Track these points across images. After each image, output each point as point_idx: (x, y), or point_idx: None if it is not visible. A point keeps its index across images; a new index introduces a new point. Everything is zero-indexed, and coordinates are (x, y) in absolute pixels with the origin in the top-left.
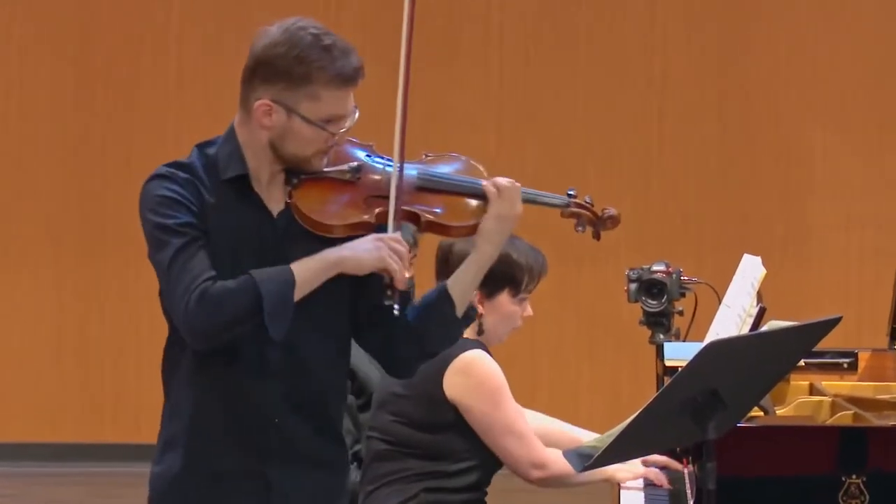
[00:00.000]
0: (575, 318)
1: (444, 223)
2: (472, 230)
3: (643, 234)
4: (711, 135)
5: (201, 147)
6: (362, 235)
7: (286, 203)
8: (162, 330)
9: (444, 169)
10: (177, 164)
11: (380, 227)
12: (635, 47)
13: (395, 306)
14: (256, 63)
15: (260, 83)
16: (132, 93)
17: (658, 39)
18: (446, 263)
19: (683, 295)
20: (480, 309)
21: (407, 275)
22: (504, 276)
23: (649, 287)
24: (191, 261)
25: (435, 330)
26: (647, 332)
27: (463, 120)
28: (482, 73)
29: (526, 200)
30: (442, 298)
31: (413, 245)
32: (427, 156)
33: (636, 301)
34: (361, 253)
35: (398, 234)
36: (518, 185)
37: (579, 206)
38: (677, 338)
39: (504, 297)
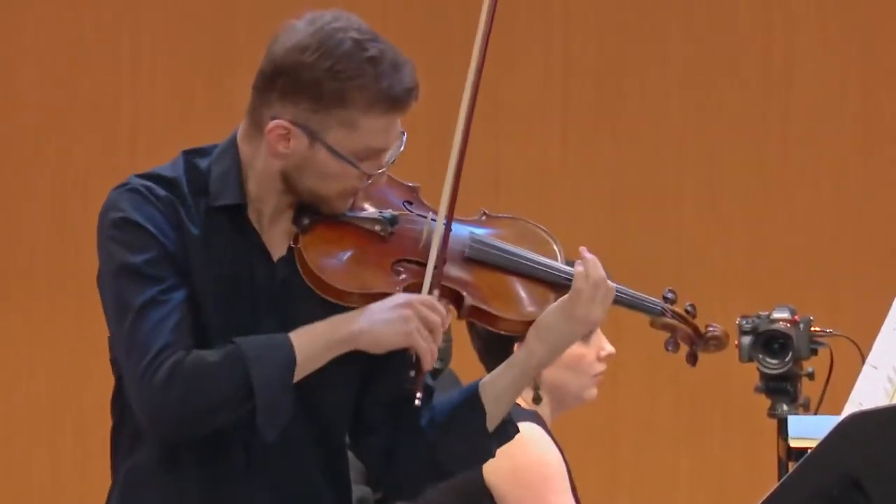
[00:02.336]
0: (670, 382)
1: (495, 313)
2: (528, 327)
3: (759, 269)
4: (851, 138)
5: (190, 156)
6: None
7: (290, 247)
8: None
9: (507, 236)
10: (156, 177)
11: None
12: (749, 25)
13: (418, 396)
14: (276, 70)
15: (278, 98)
16: (73, 82)
17: (779, 16)
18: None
19: (815, 352)
20: None
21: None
22: None
23: (769, 341)
24: (162, 321)
25: (455, 445)
26: (766, 402)
27: (517, 118)
28: (542, 58)
29: (613, 302)
30: (469, 404)
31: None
32: (485, 215)
33: (751, 360)
34: (382, 326)
35: (434, 297)
36: (614, 286)
37: (677, 316)
38: (806, 409)
39: None
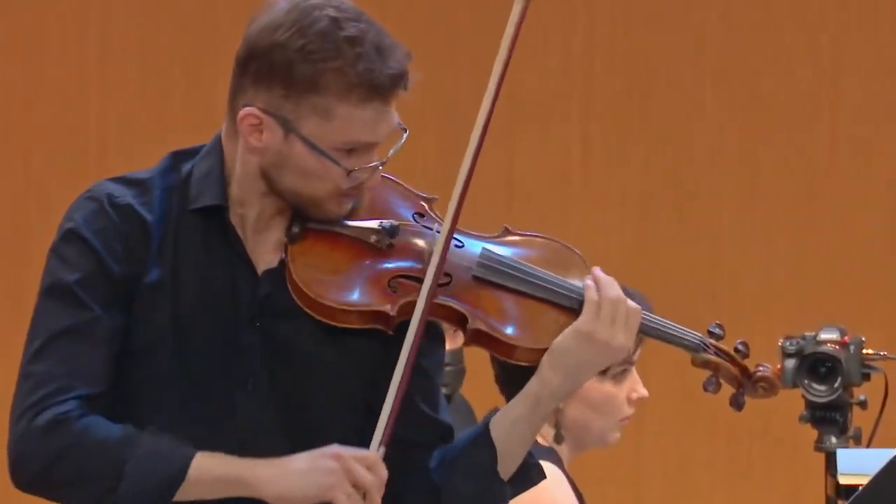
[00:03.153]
0: (703, 410)
1: (503, 339)
2: (540, 357)
3: (804, 284)
4: None
5: (176, 157)
6: (381, 331)
7: (281, 259)
8: None
9: (528, 255)
10: (125, 182)
11: (401, 325)
12: (795, 7)
13: None
14: (249, 53)
15: (251, 84)
16: (33, 78)
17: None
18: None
19: (867, 377)
20: None
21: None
22: None
23: (815, 365)
24: (69, 358)
25: (461, 487)
26: (813, 434)
27: (532, 114)
28: (561, 46)
29: (641, 331)
30: (477, 441)
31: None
32: (507, 230)
33: (795, 386)
34: (296, 478)
35: (378, 454)
36: (636, 308)
37: (721, 353)
38: (857, 442)
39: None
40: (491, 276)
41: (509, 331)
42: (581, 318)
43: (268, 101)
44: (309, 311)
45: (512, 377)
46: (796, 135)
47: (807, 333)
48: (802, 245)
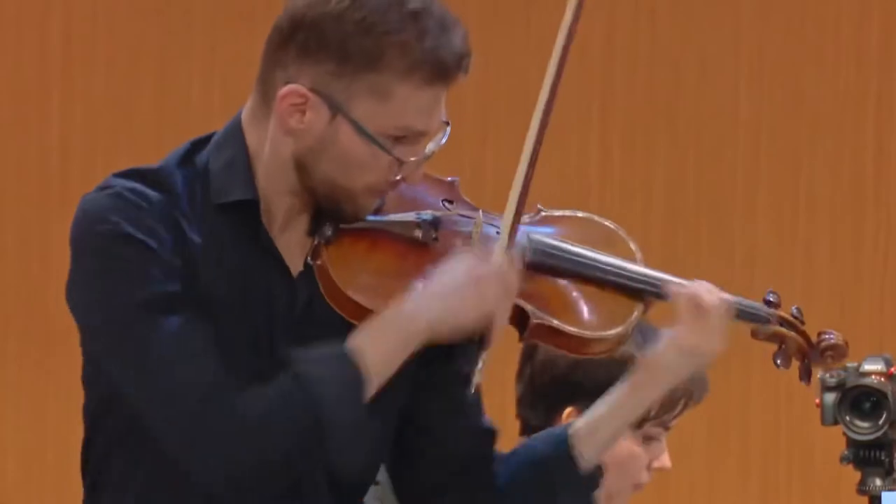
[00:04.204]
0: (735, 448)
1: (568, 330)
2: (616, 346)
3: (848, 308)
4: None
5: (192, 147)
6: None
7: (307, 263)
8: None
9: (572, 235)
10: (144, 176)
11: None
12: None
13: (476, 374)
14: (294, 24)
15: (295, 57)
16: None
17: None
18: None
19: None
20: None
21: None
22: None
23: (858, 400)
24: (198, 356)
25: None
26: (855, 475)
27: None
28: (577, 40)
29: None
30: (563, 465)
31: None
32: (541, 211)
33: (835, 423)
34: (459, 308)
35: (508, 251)
36: (728, 300)
37: (786, 323)
38: None
39: None
40: (545, 262)
41: (575, 322)
42: (683, 334)
43: (314, 78)
44: (352, 319)
45: (541, 400)
46: (842, 141)
47: (849, 364)
48: (846, 264)
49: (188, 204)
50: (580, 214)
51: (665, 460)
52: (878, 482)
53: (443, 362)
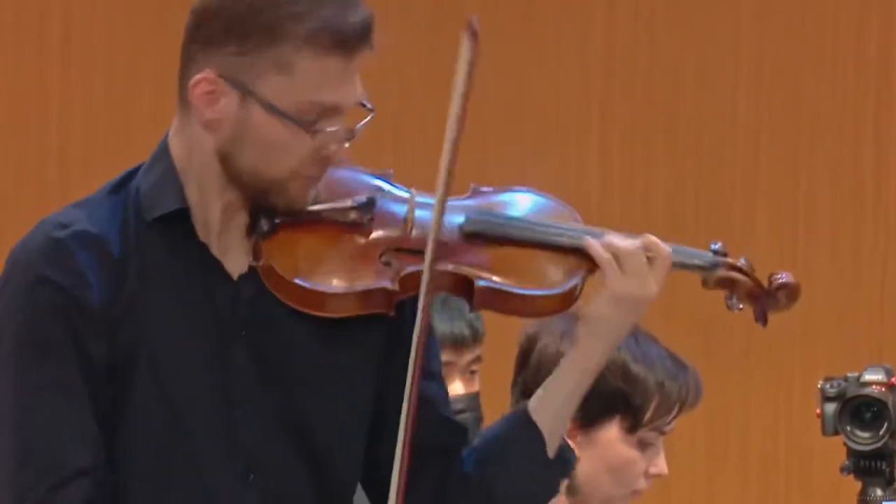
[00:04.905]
0: (736, 458)
1: (513, 291)
2: (565, 304)
3: (847, 319)
4: None
5: (125, 177)
6: (381, 315)
7: (251, 264)
8: None
9: (512, 209)
10: (71, 208)
11: (402, 303)
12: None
13: None
14: (196, 19)
15: (201, 48)
16: None
17: None
18: (530, 369)
19: None
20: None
21: (461, 390)
22: (614, 397)
23: (858, 410)
24: (70, 426)
25: (515, 483)
26: (856, 485)
27: (545, 124)
28: (577, 47)
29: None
30: (522, 429)
31: (472, 339)
32: (480, 189)
33: (836, 433)
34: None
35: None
36: (662, 246)
37: (733, 268)
38: None
39: (612, 433)
40: (483, 230)
41: (519, 281)
42: (609, 282)
43: (221, 63)
44: (301, 307)
45: (524, 374)
46: (841, 144)
47: (849, 374)
48: (846, 274)
49: (119, 230)
50: (513, 188)
51: (662, 467)
52: (879, 492)
53: (405, 356)
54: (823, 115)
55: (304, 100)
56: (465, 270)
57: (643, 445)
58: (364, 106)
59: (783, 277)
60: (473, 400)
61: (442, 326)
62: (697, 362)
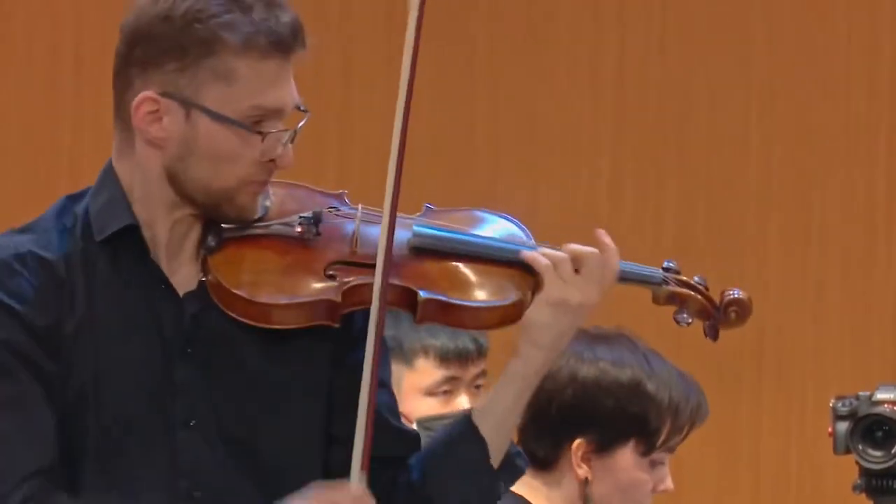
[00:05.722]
0: (748, 477)
1: (455, 302)
2: (510, 316)
3: (860, 339)
4: None
5: (71, 200)
6: (326, 327)
7: (200, 280)
8: None
9: (462, 226)
10: (17, 231)
11: (351, 316)
12: (850, 23)
13: None
14: (128, 42)
15: (139, 71)
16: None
17: (889, 8)
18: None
19: None
20: (584, 471)
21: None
22: (630, 421)
23: (871, 428)
24: (18, 432)
25: (455, 490)
26: None
27: (557, 145)
28: (588, 69)
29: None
30: (463, 436)
31: (476, 354)
32: (432, 208)
33: (848, 451)
34: None
35: (357, 482)
36: (596, 253)
37: (682, 283)
38: None
39: (626, 456)
40: (429, 245)
41: (462, 294)
42: (546, 288)
43: (162, 82)
44: (245, 318)
45: (547, 429)
46: (853, 170)
47: (861, 393)
48: (858, 294)
49: (66, 251)
50: (467, 209)
51: (669, 483)
52: None
53: (355, 366)
54: (835, 138)
55: (247, 104)
56: (410, 283)
57: (653, 465)
58: (299, 109)
59: (734, 293)
60: None
61: (446, 342)
62: (709, 381)
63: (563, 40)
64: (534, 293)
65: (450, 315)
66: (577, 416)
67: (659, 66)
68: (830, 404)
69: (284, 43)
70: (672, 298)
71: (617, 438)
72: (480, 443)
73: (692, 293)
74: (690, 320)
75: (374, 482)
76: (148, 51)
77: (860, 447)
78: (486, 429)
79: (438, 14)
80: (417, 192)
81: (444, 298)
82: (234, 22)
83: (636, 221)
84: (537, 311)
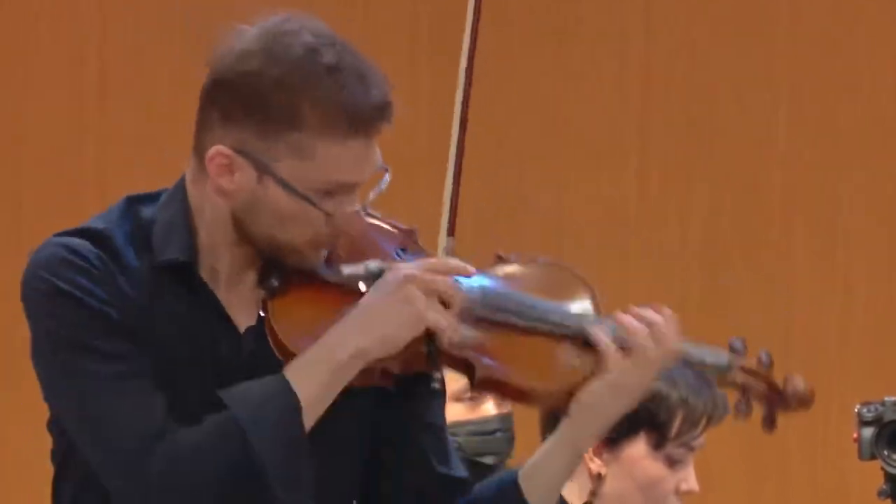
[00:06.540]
0: (774, 483)
1: (514, 383)
2: (565, 399)
3: (887, 344)
4: None
5: (133, 202)
6: (383, 387)
7: (259, 315)
8: None
9: (529, 286)
10: (84, 233)
11: (412, 377)
12: (876, 26)
13: (436, 378)
14: (215, 83)
15: (219, 119)
16: (25, 110)
17: None
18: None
19: None
20: (597, 465)
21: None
22: (637, 413)
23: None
24: (140, 398)
25: None
26: None
27: (584, 148)
28: (615, 72)
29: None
30: (506, 494)
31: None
32: (500, 259)
33: (873, 457)
34: (390, 326)
35: (441, 256)
36: (668, 338)
37: (750, 372)
38: None
39: (638, 449)
40: (494, 316)
41: (521, 374)
42: (608, 370)
43: (239, 139)
44: None
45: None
46: (879, 173)
47: (887, 398)
48: (886, 297)
49: (130, 262)
50: (540, 262)
51: (692, 483)
52: None
53: (399, 404)
54: (861, 138)
55: (321, 180)
56: (468, 353)
57: (671, 462)
58: (383, 167)
59: (798, 385)
60: (506, 420)
61: None
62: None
63: (589, 42)
64: (589, 372)
65: (507, 392)
66: None
67: (685, 68)
68: (855, 410)
69: (368, 126)
70: (736, 386)
71: (626, 431)
72: (519, 500)
73: (757, 382)
74: (748, 411)
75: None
76: (232, 102)
77: (885, 453)
78: (531, 491)
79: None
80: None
81: (501, 378)
82: (321, 98)
83: (663, 222)
84: (596, 389)
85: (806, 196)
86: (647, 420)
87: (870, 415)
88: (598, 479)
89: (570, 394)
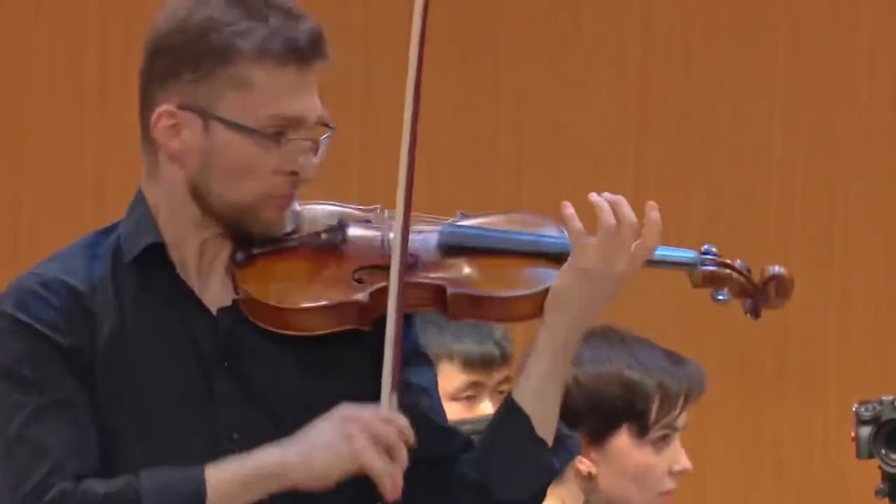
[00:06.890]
0: (769, 480)
1: (488, 295)
2: (542, 306)
3: (883, 344)
4: None
5: (102, 232)
6: (355, 331)
7: (234, 298)
8: None
9: (492, 223)
10: (48, 260)
11: (381, 320)
12: (872, 34)
13: None
14: (148, 57)
15: (158, 85)
16: (24, 110)
17: None
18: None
19: None
20: (585, 465)
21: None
22: (615, 409)
23: (893, 434)
24: (47, 437)
25: (505, 469)
26: None
27: (581, 155)
28: (612, 79)
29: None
30: (506, 414)
31: (501, 359)
32: (463, 214)
33: (871, 456)
34: (321, 451)
35: (389, 407)
36: (633, 223)
37: (720, 264)
38: None
39: (623, 441)
40: (456, 243)
41: (491, 286)
42: (574, 254)
43: (179, 94)
44: (272, 327)
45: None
46: (877, 180)
47: (884, 398)
48: (882, 301)
49: (96, 276)
50: (504, 212)
51: (684, 462)
52: None
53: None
54: (858, 146)
55: (265, 113)
56: (438, 281)
57: (658, 447)
58: (327, 125)
59: (774, 270)
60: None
61: (472, 347)
62: (731, 386)
63: (587, 49)
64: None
65: (481, 308)
66: (565, 414)
67: (682, 75)
68: (853, 409)
69: (302, 50)
70: (709, 279)
71: (608, 427)
72: (522, 416)
73: (730, 272)
74: (726, 298)
75: (429, 482)
76: (166, 64)
77: (883, 452)
78: (526, 402)
79: (463, 21)
80: (442, 198)
81: (472, 292)
82: (249, 30)
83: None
84: (562, 278)
85: (803, 203)
86: (626, 412)
87: (868, 414)
88: (589, 480)
89: (542, 301)
